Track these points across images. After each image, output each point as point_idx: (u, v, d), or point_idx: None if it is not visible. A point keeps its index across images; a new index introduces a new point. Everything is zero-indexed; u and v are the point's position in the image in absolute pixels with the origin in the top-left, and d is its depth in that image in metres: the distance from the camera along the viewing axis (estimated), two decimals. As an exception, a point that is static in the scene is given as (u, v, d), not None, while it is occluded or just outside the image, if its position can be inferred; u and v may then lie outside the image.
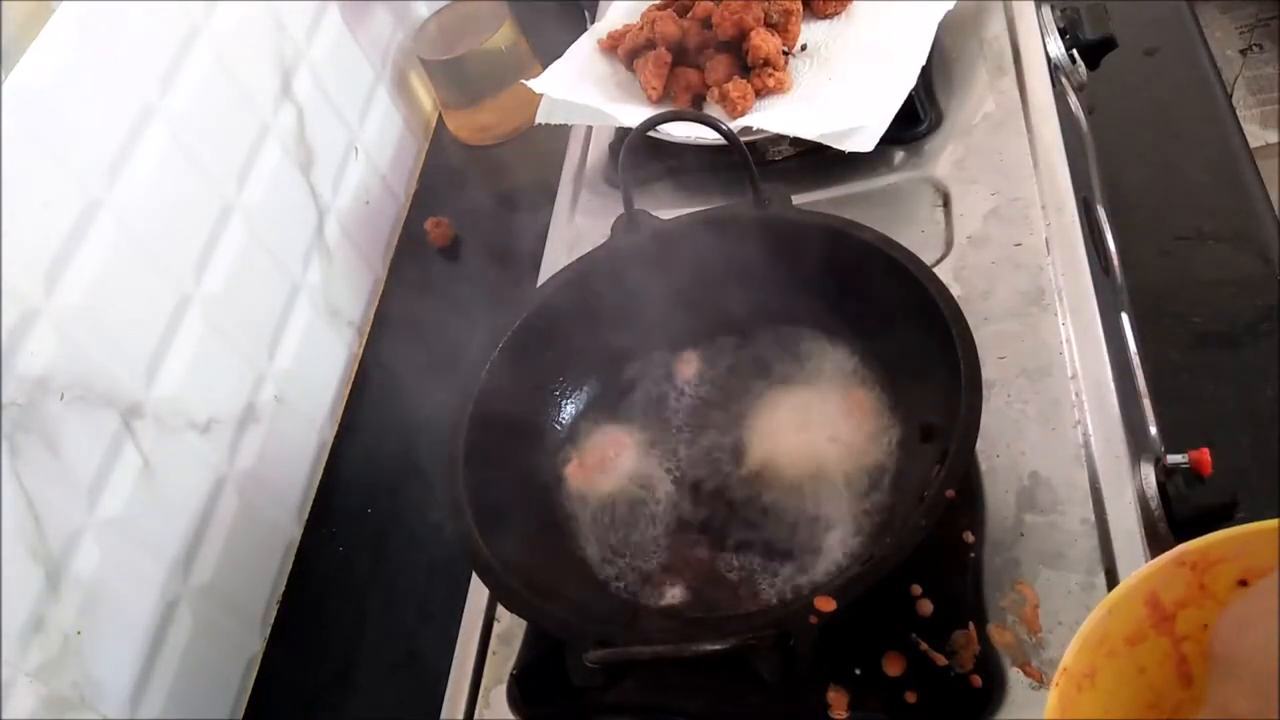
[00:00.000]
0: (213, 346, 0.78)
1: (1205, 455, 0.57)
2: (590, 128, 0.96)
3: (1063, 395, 0.62)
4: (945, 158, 0.78)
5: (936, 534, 0.50)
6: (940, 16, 0.80)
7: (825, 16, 0.86)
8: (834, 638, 0.48)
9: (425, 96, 1.15)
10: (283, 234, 0.88)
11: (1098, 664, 0.42)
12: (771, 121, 0.78)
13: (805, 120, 0.76)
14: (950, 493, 0.50)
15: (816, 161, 0.80)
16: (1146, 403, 0.66)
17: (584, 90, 0.87)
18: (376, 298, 1.00)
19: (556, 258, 0.84)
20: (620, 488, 0.64)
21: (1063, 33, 0.84)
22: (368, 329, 0.98)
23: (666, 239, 0.69)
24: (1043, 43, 0.82)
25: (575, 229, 0.87)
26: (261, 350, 0.84)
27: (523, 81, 0.89)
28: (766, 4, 0.83)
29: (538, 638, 0.63)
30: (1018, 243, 0.70)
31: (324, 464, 0.89)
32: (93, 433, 0.67)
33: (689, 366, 0.70)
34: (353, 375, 0.95)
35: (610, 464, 0.64)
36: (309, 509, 0.86)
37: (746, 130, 0.78)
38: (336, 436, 0.91)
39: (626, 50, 0.88)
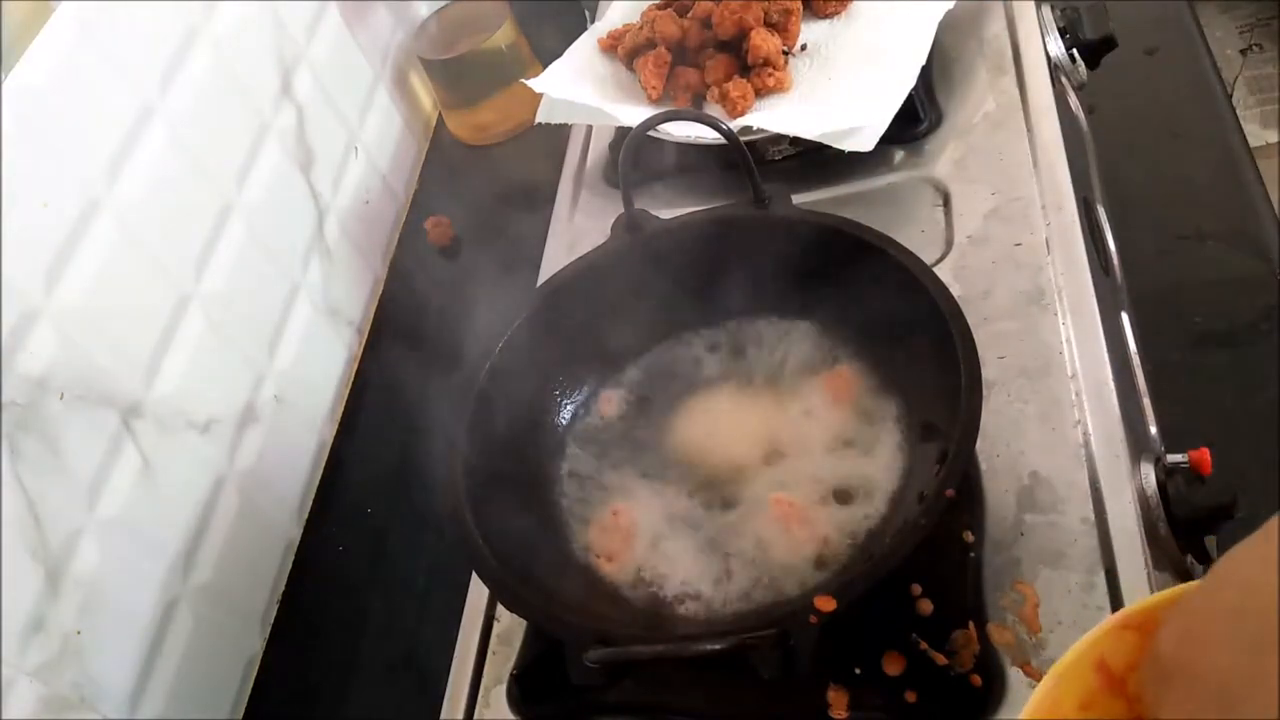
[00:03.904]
0: (212, 346, 0.78)
1: (1205, 455, 0.57)
2: (590, 128, 0.96)
3: (1063, 395, 0.62)
4: (945, 157, 0.78)
5: (936, 534, 0.50)
6: (940, 16, 0.80)
7: (825, 16, 0.86)
8: (834, 637, 0.48)
9: (425, 96, 1.15)
10: (283, 234, 0.88)
11: None
12: (771, 121, 0.78)
13: (805, 120, 0.76)
14: (950, 492, 0.50)
15: (816, 161, 0.80)
16: (1146, 403, 0.66)
17: (584, 90, 0.87)
18: (376, 297, 1.00)
19: (556, 258, 0.84)
20: (650, 542, 0.62)
21: (1063, 32, 0.84)
22: (368, 329, 0.98)
23: (666, 239, 0.69)
24: (1043, 42, 0.82)
25: (575, 229, 0.87)
26: (261, 350, 0.84)
27: (523, 81, 0.89)
28: (766, 4, 0.83)
29: (538, 638, 0.63)
30: (1018, 243, 0.70)
31: (324, 464, 0.89)
32: (93, 433, 0.67)
33: (689, 367, 0.70)
34: (353, 375, 0.95)
35: (630, 535, 0.63)
36: (309, 509, 0.86)
37: (746, 130, 0.78)
38: (336, 436, 0.91)
39: (626, 50, 0.88)
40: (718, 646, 0.48)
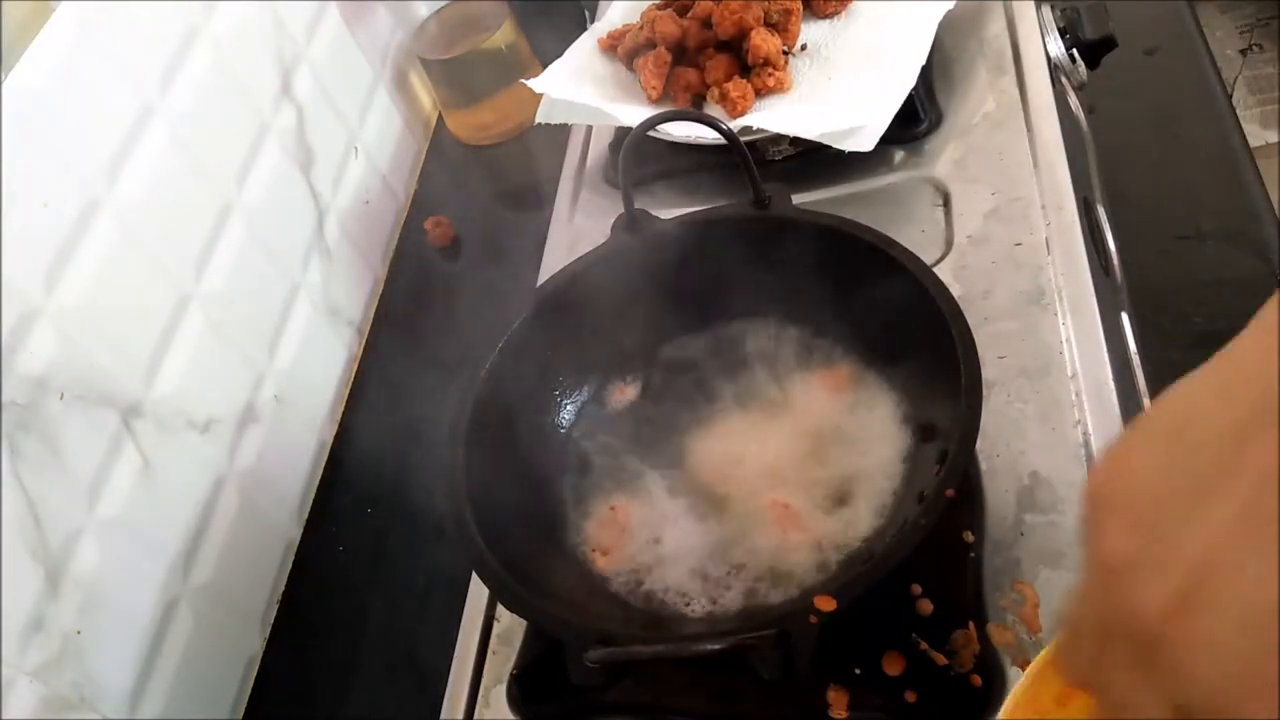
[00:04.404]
0: (212, 346, 0.78)
1: (1205, 455, 0.57)
2: (590, 128, 0.96)
3: (1063, 395, 0.62)
4: (945, 157, 0.78)
5: (936, 534, 0.50)
6: (940, 16, 0.80)
7: (825, 16, 0.86)
8: (834, 638, 0.48)
9: (425, 96, 1.15)
10: (283, 234, 0.88)
11: None
12: (771, 121, 0.78)
13: (805, 120, 0.76)
14: (950, 492, 0.50)
15: (816, 161, 0.80)
16: (1146, 403, 0.66)
17: (584, 90, 0.87)
18: (376, 297, 1.00)
19: (556, 258, 0.84)
20: (649, 540, 0.62)
21: (1063, 32, 0.84)
22: (368, 329, 0.98)
23: (666, 239, 0.69)
24: (1043, 42, 0.82)
25: (575, 229, 0.88)
26: (261, 350, 0.84)
27: (523, 81, 0.89)
28: (766, 4, 0.83)
29: (538, 638, 0.63)
30: (1018, 243, 0.70)
31: (324, 464, 0.89)
32: (93, 433, 0.67)
33: (688, 368, 0.70)
34: (352, 375, 0.95)
35: (627, 531, 0.63)
36: (309, 509, 0.86)
37: (746, 130, 0.78)
38: (336, 436, 0.91)
39: (626, 50, 0.88)
40: (718, 646, 0.48)
